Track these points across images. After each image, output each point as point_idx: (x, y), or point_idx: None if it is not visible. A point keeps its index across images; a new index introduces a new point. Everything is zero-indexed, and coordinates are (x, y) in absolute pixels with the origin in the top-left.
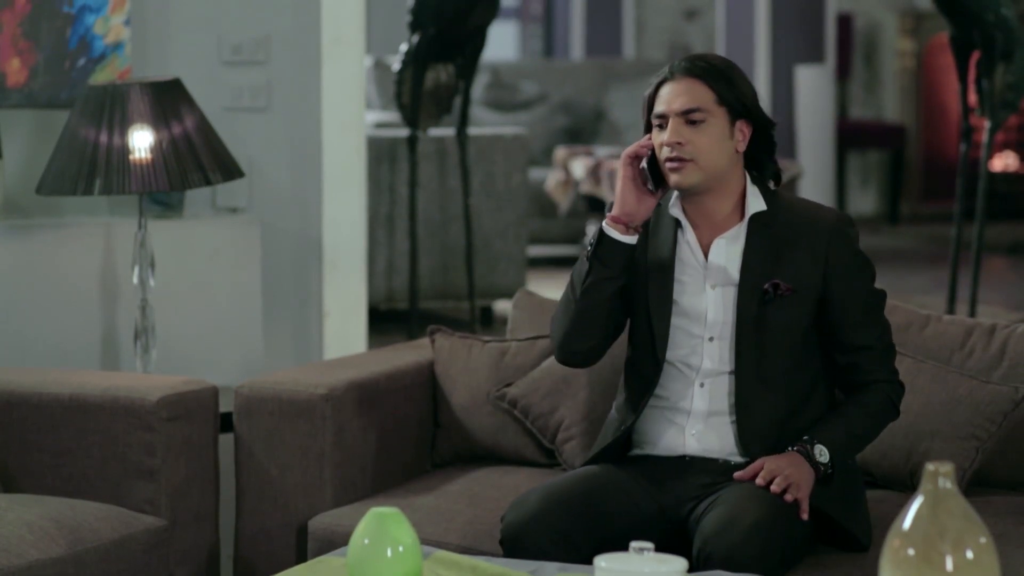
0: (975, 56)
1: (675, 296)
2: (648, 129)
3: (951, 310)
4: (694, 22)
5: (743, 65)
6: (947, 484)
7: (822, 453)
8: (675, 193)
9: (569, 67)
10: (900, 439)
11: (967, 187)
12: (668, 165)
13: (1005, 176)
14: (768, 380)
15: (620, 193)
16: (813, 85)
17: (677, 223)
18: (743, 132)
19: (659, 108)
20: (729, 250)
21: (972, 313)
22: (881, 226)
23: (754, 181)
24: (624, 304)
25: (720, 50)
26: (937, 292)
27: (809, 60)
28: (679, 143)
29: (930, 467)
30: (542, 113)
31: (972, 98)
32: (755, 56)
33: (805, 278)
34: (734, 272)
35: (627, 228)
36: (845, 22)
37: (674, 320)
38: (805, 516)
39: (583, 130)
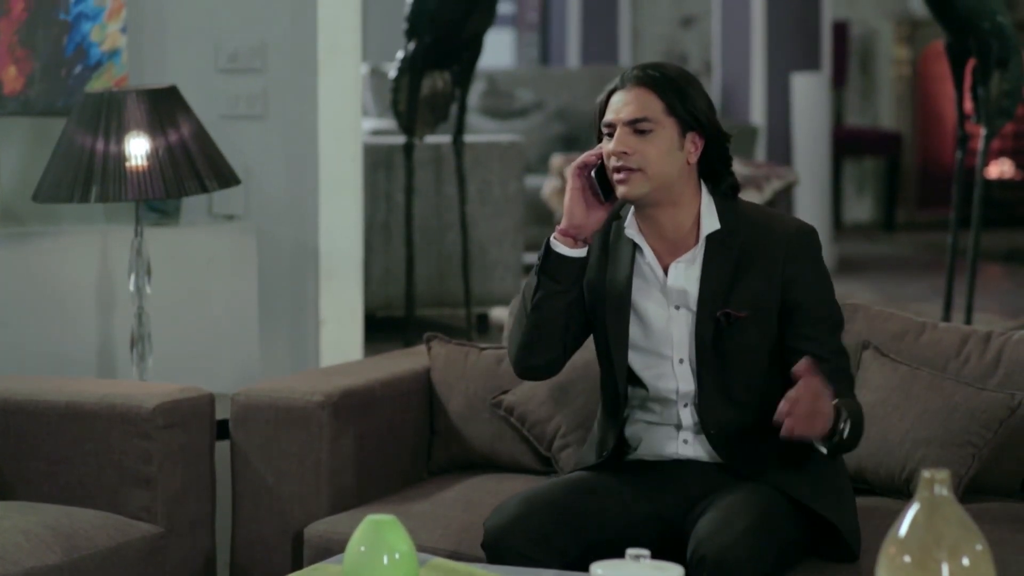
0: (971, 64)
1: (640, 317)
2: (600, 138)
3: (947, 317)
4: (690, 30)
5: (739, 73)
6: (943, 491)
7: (847, 427)
8: (631, 212)
9: (565, 75)
10: (896, 446)
11: (963, 194)
12: (615, 176)
13: (1001, 183)
14: (736, 400)
15: (568, 205)
16: (809, 93)
17: (635, 246)
18: (695, 144)
19: (608, 116)
20: (688, 273)
21: (968, 320)
22: (877, 234)
23: (712, 192)
24: (584, 316)
25: (716, 57)
26: (933, 300)
27: (805, 68)
28: (625, 152)
29: (926, 474)
30: (538, 120)
31: (968, 106)
32: (751, 64)
33: (762, 297)
34: (693, 296)
35: (576, 241)
36: (841, 30)
37: (644, 342)
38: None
39: (579, 137)
